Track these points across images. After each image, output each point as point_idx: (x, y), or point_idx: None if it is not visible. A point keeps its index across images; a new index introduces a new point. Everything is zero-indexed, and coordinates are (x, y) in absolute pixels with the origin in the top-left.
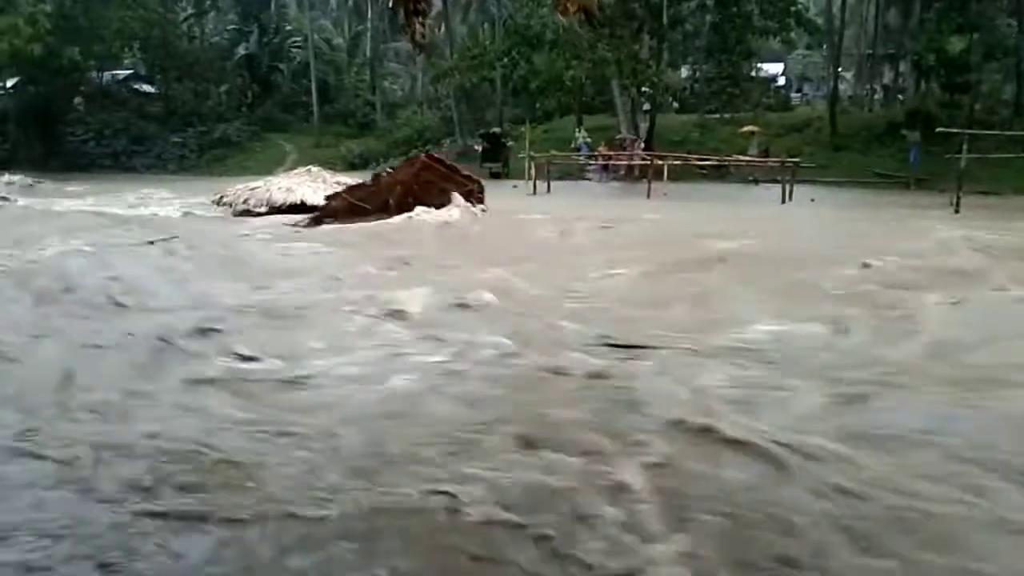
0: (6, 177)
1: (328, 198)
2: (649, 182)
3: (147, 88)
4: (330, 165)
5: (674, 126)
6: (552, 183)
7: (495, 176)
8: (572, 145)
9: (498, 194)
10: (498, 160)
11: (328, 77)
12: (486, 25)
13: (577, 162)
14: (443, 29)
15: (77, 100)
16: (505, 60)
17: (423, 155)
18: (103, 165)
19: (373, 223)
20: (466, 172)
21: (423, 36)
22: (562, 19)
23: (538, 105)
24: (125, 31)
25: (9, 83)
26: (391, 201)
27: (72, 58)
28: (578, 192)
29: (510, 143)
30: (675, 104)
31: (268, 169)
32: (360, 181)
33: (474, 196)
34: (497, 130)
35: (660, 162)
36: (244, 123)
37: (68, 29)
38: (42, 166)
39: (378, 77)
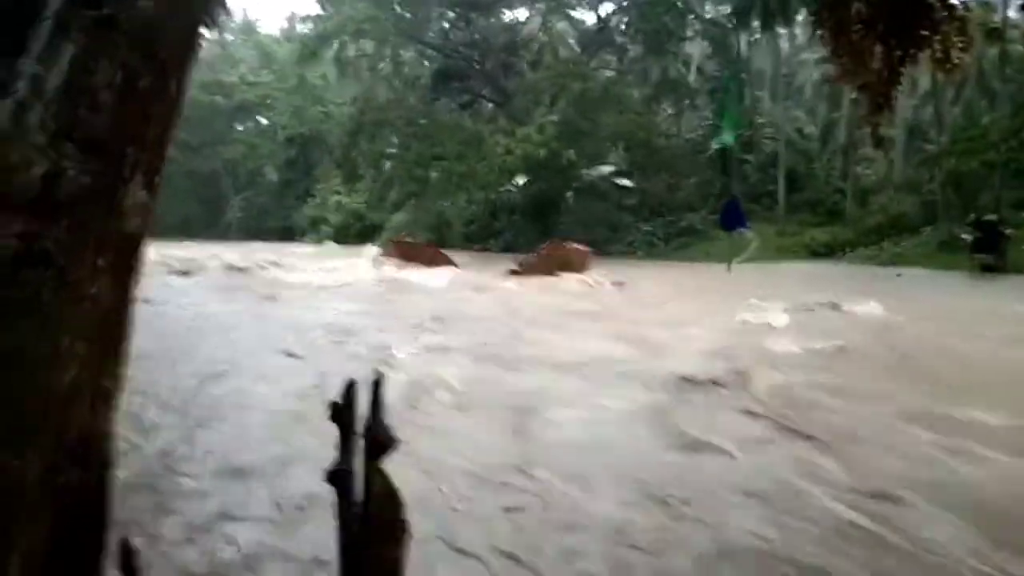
0: None
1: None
2: None
3: (625, 182)
4: (793, 253)
5: None
6: None
7: (987, 269)
8: None
9: (991, 293)
10: (994, 251)
11: (798, 166)
12: (983, 102)
13: None
14: (931, 110)
15: (568, 194)
16: (1013, 142)
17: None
18: None
19: None
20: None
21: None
22: None
23: None
24: (615, 133)
25: (520, 181)
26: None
27: (570, 158)
28: None
29: (1009, 231)
30: None
31: (727, 258)
32: None
33: None
34: (993, 217)
35: None
36: (710, 213)
37: (568, 134)
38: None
39: (851, 163)
